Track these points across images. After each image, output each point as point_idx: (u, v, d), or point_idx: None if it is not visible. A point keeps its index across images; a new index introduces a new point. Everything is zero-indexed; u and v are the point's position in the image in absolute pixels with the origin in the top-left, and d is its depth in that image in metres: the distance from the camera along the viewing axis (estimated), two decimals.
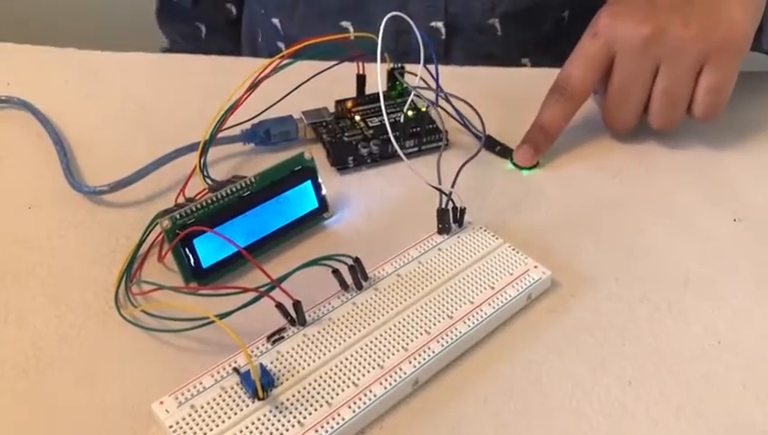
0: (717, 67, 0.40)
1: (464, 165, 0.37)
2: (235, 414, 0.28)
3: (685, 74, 0.41)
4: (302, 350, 0.31)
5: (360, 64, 0.44)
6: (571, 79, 0.42)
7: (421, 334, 0.32)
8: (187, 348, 0.32)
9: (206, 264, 0.34)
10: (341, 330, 0.32)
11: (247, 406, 0.29)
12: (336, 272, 0.33)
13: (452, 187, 0.36)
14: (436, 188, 0.35)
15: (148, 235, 0.36)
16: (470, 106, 0.40)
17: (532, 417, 0.30)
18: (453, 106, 0.42)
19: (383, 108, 0.36)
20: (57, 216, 0.39)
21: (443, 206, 0.36)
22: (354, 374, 0.30)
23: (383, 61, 0.41)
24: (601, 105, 0.43)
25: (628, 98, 0.42)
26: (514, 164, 0.43)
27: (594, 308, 0.34)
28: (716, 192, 0.41)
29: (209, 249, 0.34)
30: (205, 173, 0.38)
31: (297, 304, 0.31)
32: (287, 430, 0.28)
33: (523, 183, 0.42)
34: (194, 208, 0.34)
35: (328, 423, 0.28)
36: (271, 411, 0.28)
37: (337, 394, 0.29)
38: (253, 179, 0.36)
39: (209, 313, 0.30)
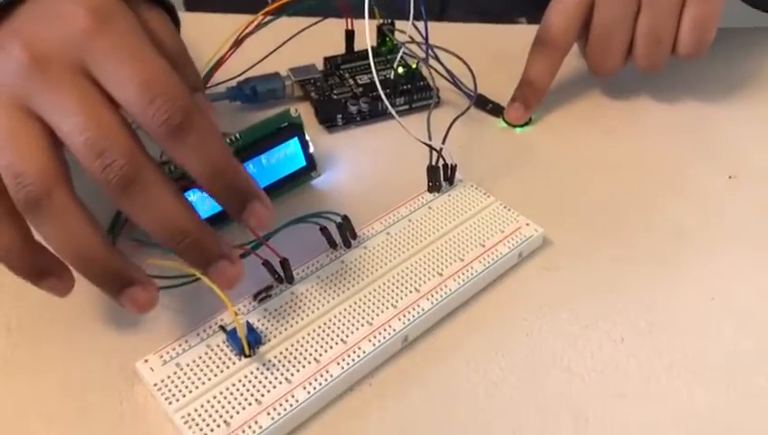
0: (700, 0, 0.39)
1: (454, 121, 0.36)
2: (222, 372, 0.28)
3: (667, 11, 0.39)
4: (290, 308, 0.30)
5: (349, 20, 0.42)
6: (552, 29, 0.41)
7: (411, 292, 0.31)
8: (171, 307, 0.31)
9: None
10: (330, 288, 0.31)
11: (234, 364, 0.28)
12: (324, 230, 0.32)
13: (442, 143, 0.35)
14: (427, 145, 0.35)
15: None
16: (462, 61, 0.39)
17: (522, 374, 0.29)
18: (441, 63, 0.41)
19: (372, 65, 0.35)
20: None
21: (433, 163, 0.35)
22: (343, 332, 0.29)
23: (372, 17, 0.40)
24: (585, 52, 0.42)
25: (611, 42, 0.41)
26: (507, 122, 0.42)
27: (586, 266, 0.34)
28: (711, 149, 0.41)
29: (195, 206, 0.33)
30: None
31: (284, 262, 0.31)
32: (274, 387, 0.27)
33: (516, 141, 0.41)
34: (175, 166, 0.33)
35: (316, 380, 0.28)
36: (258, 369, 0.28)
37: (325, 351, 0.29)
38: (237, 136, 0.35)
39: (194, 270, 0.29)
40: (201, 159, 0.27)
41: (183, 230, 0.27)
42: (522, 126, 0.42)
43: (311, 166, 0.37)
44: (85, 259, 0.26)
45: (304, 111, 0.37)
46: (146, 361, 0.28)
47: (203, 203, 0.33)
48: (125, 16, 0.27)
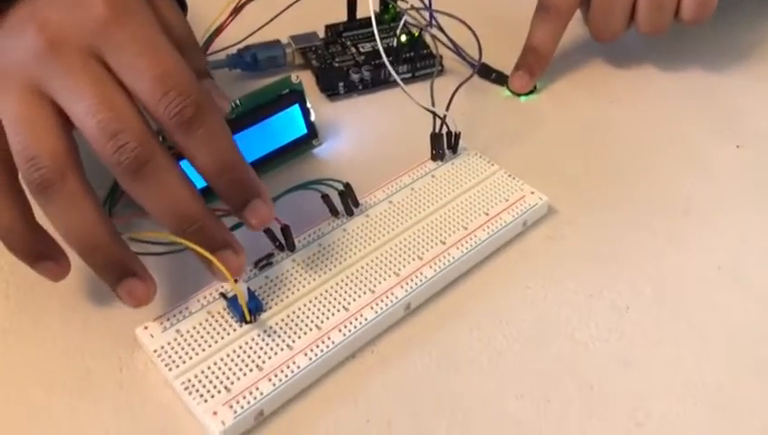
0: None
1: (458, 87, 0.35)
2: (222, 338, 0.27)
3: None
4: (291, 275, 0.30)
5: None
6: None
7: (413, 260, 0.31)
8: (171, 274, 0.31)
9: None
10: (332, 256, 0.31)
11: (234, 330, 0.28)
12: (326, 197, 0.32)
13: (446, 110, 0.34)
14: (430, 111, 0.34)
15: None
16: (468, 27, 0.38)
17: (526, 342, 0.29)
18: (444, 32, 0.40)
19: (375, 32, 0.34)
20: None
21: (436, 130, 0.35)
22: (345, 299, 0.29)
23: None
24: (587, 18, 0.42)
25: (613, 6, 0.40)
26: (511, 91, 0.41)
27: (592, 235, 0.33)
28: (718, 118, 0.40)
29: (194, 173, 0.33)
30: None
31: (286, 229, 0.30)
32: (276, 354, 0.27)
33: (520, 110, 0.41)
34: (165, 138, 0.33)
35: (318, 347, 0.27)
36: (259, 335, 0.28)
37: (327, 318, 0.28)
38: (237, 102, 0.34)
39: (190, 244, 0.29)
40: (209, 153, 0.27)
41: (191, 216, 0.26)
42: (526, 94, 0.41)
43: (312, 134, 0.37)
44: (90, 245, 0.26)
45: (305, 80, 0.36)
46: (146, 327, 0.28)
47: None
48: (141, 7, 0.27)
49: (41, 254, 0.28)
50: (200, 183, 0.32)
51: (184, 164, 0.31)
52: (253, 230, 0.28)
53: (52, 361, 0.28)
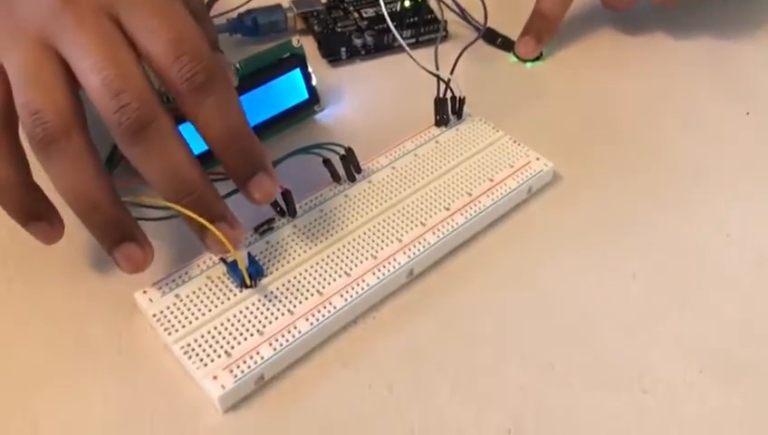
0: None
1: (463, 51, 0.34)
2: (222, 303, 0.27)
3: None
4: (292, 241, 0.29)
5: None
6: None
7: (416, 226, 0.30)
8: (171, 239, 0.31)
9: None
10: (333, 221, 0.30)
11: (235, 295, 0.27)
12: (327, 162, 0.31)
13: (450, 73, 0.34)
14: (434, 75, 0.33)
15: None
16: None
17: (531, 309, 0.29)
18: None
19: None
20: None
21: (441, 95, 0.34)
22: (347, 265, 0.29)
23: None
24: None
25: None
26: (517, 57, 0.40)
27: (598, 203, 0.33)
28: (727, 86, 0.39)
29: (193, 138, 0.32)
30: None
31: (287, 193, 0.30)
32: (276, 319, 0.27)
33: (526, 76, 0.40)
34: (170, 96, 0.32)
35: (319, 312, 0.27)
36: (260, 300, 0.27)
37: (329, 283, 0.28)
38: (237, 66, 0.33)
39: (183, 210, 0.28)
40: (218, 121, 0.26)
41: (189, 184, 0.26)
42: (532, 61, 0.40)
43: (313, 99, 0.36)
44: (90, 205, 0.26)
45: (307, 45, 0.35)
46: (144, 292, 0.27)
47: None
48: None
49: (35, 214, 0.27)
50: (199, 148, 0.32)
51: (184, 128, 0.31)
52: (255, 204, 0.27)
53: (51, 326, 0.28)
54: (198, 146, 0.32)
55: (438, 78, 0.34)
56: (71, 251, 0.30)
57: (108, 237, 0.26)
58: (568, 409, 0.26)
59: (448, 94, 0.34)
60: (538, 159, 0.33)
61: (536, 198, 0.33)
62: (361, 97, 0.38)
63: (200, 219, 0.26)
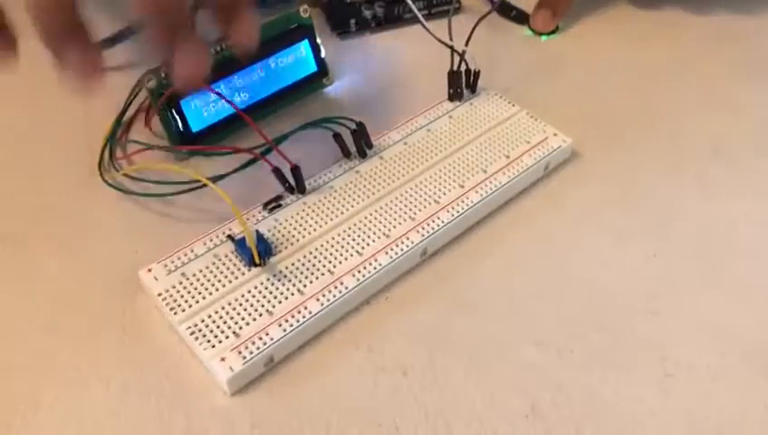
0: None
1: (478, 22, 0.33)
2: (230, 283, 0.26)
3: None
4: (302, 218, 0.28)
5: None
6: None
7: (430, 204, 0.29)
8: (176, 216, 0.30)
9: (195, 128, 0.31)
10: (344, 199, 0.29)
11: (243, 274, 0.26)
12: (338, 137, 0.30)
13: (465, 45, 0.32)
14: (448, 46, 0.32)
15: (134, 98, 0.33)
16: None
17: (546, 289, 0.28)
18: None
19: None
20: (35, 79, 0.36)
21: (455, 68, 0.33)
22: (358, 243, 0.28)
23: None
24: None
25: None
26: (532, 30, 0.39)
27: (617, 180, 0.32)
28: (748, 60, 0.38)
29: (198, 112, 0.31)
30: None
31: (296, 169, 0.29)
32: (286, 298, 0.26)
33: (542, 49, 0.38)
34: None
35: (330, 292, 0.26)
36: (268, 280, 0.26)
37: (340, 263, 0.27)
38: None
39: (200, 175, 0.27)
40: None
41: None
42: (548, 34, 0.39)
43: (322, 71, 0.35)
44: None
45: (315, 18, 0.34)
46: (149, 270, 0.27)
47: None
48: None
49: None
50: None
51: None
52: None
53: (52, 305, 0.27)
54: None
55: (452, 50, 0.32)
56: (69, 229, 0.29)
57: (57, 29, 0.24)
58: (588, 393, 0.25)
59: (462, 67, 0.33)
60: (556, 134, 0.32)
61: (553, 175, 0.32)
62: (372, 70, 0.37)
63: (203, 178, 0.24)
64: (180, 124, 0.31)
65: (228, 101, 0.28)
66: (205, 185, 0.27)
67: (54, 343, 0.26)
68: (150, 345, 0.26)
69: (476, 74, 0.33)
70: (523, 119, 0.33)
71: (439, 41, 0.32)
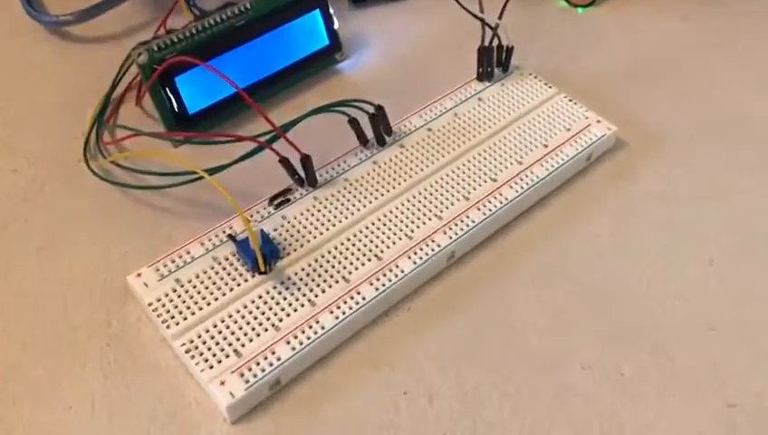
0: None
1: None
2: (231, 291, 0.23)
3: None
4: (313, 216, 0.25)
5: None
6: None
7: (458, 200, 0.26)
8: (170, 210, 0.26)
9: (191, 109, 0.28)
10: (360, 193, 0.26)
11: (246, 281, 0.23)
12: (354, 122, 0.27)
13: (499, 18, 0.29)
14: (479, 19, 0.28)
15: (123, 74, 0.30)
16: None
17: (592, 301, 0.24)
18: None
19: None
20: (13, 52, 0.33)
21: (486, 43, 0.29)
22: (377, 246, 0.24)
23: None
24: None
25: None
26: (567, 0, 0.35)
27: (666, 173, 0.28)
28: None
29: (195, 91, 0.28)
30: (191, 2, 0.31)
31: (306, 160, 0.25)
32: (295, 311, 0.22)
33: (579, 23, 0.35)
34: (175, 39, 0.28)
35: (345, 303, 0.23)
36: (275, 288, 0.23)
37: (356, 269, 0.24)
38: (247, 6, 0.29)
39: (196, 166, 0.24)
40: None
41: None
42: (584, 6, 0.35)
43: (335, 45, 0.31)
44: None
45: None
46: (138, 275, 0.23)
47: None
48: None
49: None
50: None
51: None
52: (269, 123, 0.23)
53: (28, 314, 0.24)
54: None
55: (483, 23, 0.29)
56: (51, 224, 0.26)
57: None
58: (641, 424, 0.22)
59: (494, 43, 0.29)
60: (599, 121, 0.28)
61: (596, 167, 0.28)
62: (390, 44, 0.33)
63: (199, 170, 0.21)
64: (175, 105, 0.28)
65: (230, 81, 0.25)
66: (202, 177, 0.24)
67: (29, 356, 0.23)
68: (141, 361, 0.23)
69: (509, 51, 0.29)
70: (562, 102, 0.29)
71: (469, 12, 0.28)
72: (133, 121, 0.29)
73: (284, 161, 0.25)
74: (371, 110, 0.27)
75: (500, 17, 0.28)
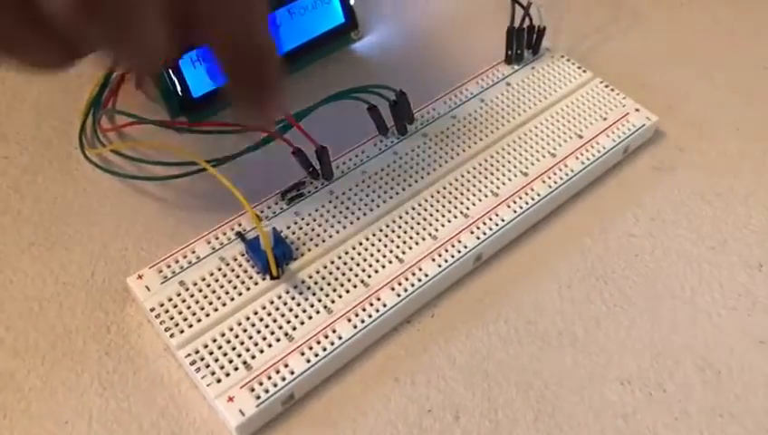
0: None
1: None
2: (240, 295, 0.21)
3: None
4: (329, 212, 0.23)
5: None
6: None
7: (486, 196, 0.24)
8: (174, 204, 0.24)
9: (196, 92, 0.26)
10: (380, 187, 0.24)
11: (256, 284, 0.21)
12: (373, 109, 0.24)
13: None
14: None
15: None
16: None
17: (630, 308, 0.22)
18: None
19: None
20: None
21: (516, 25, 0.27)
22: (399, 247, 0.22)
23: None
24: None
25: None
26: None
27: (710, 166, 0.26)
28: None
29: (201, 73, 0.26)
30: None
31: (323, 151, 0.23)
32: (310, 318, 0.21)
33: (614, 0, 0.32)
34: None
35: (364, 310, 0.21)
36: (288, 292, 0.21)
37: (376, 272, 0.22)
38: None
39: (199, 157, 0.22)
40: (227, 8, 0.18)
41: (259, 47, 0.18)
42: None
43: (350, 23, 0.29)
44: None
45: None
46: (139, 277, 0.21)
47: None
48: None
49: None
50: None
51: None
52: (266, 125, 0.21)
53: (21, 317, 0.22)
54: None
55: (514, 0, 0.26)
56: (45, 218, 0.24)
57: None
58: None
59: (525, 23, 0.27)
60: (638, 110, 0.26)
61: (633, 159, 0.26)
62: (410, 21, 0.31)
63: (201, 161, 0.19)
64: (179, 88, 0.26)
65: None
66: (214, 164, 0.22)
67: (20, 364, 0.21)
68: (142, 372, 0.21)
69: (541, 32, 0.27)
70: (598, 88, 0.27)
71: None
72: (134, 105, 0.27)
73: (298, 153, 0.23)
74: (393, 96, 0.24)
75: None
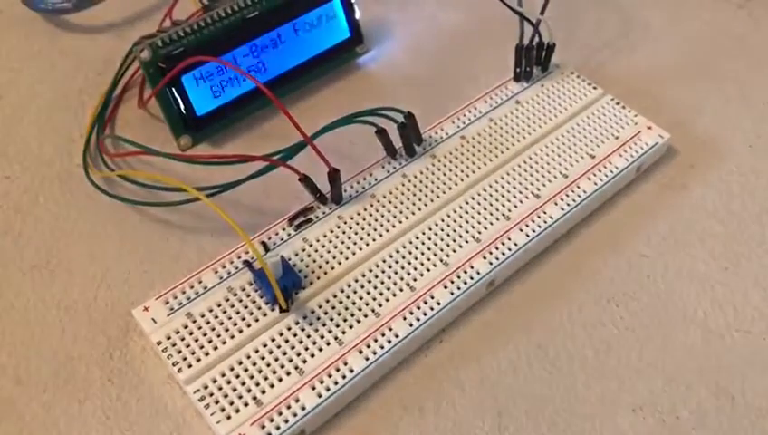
0: None
1: None
2: (248, 327, 0.21)
3: None
4: (338, 238, 0.23)
5: None
6: None
7: (498, 219, 0.23)
8: (178, 225, 0.24)
9: (200, 110, 0.25)
10: (389, 211, 0.23)
11: (265, 315, 0.21)
12: (382, 132, 0.24)
13: (541, 13, 0.26)
14: (517, 13, 0.25)
15: (125, 70, 0.27)
16: None
17: (642, 332, 0.22)
18: None
19: None
20: (8, 43, 0.30)
21: (524, 42, 0.26)
22: (410, 273, 0.22)
23: None
24: None
25: None
26: None
27: (723, 185, 0.26)
28: None
29: (205, 91, 0.25)
30: None
31: (335, 174, 0.23)
32: (320, 350, 0.20)
33: (623, 14, 0.32)
34: (182, 33, 0.25)
35: (376, 341, 0.20)
36: (297, 323, 0.21)
37: (387, 300, 0.21)
38: None
39: (202, 194, 0.21)
40: None
41: None
42: None
43: (356, 38, 0.28)
44: None
45: None
46: (146, 308, 0.21)
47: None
48: None
49: None
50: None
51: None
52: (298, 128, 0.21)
53: (23, 344, 0.21)
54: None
55: (523, 17, 0.26)
56: (46, 241, 0.23)
57: None
58: None
59: (535, 41, 0.26)
60: (650, 127, 0.26)
61: (645, 178, 0.26)
62: (417, 36, 0.30)
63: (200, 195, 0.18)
64: (183, 106, 0.25)
65: (253, 80, 0.22)
66: (218, 190, 0.21)
67: (22, 392, 0.20)
68: (145, 400, 0.20)
69: (550, 49, 0.27)
70: (609, 105, 0.26)
71: (505, 4, 0.25)
72: (136, 125, 0.27)
73: (305, 179, 0.22)
74: (400, 118, 0.24)
75: (542, 12, 0.26)
